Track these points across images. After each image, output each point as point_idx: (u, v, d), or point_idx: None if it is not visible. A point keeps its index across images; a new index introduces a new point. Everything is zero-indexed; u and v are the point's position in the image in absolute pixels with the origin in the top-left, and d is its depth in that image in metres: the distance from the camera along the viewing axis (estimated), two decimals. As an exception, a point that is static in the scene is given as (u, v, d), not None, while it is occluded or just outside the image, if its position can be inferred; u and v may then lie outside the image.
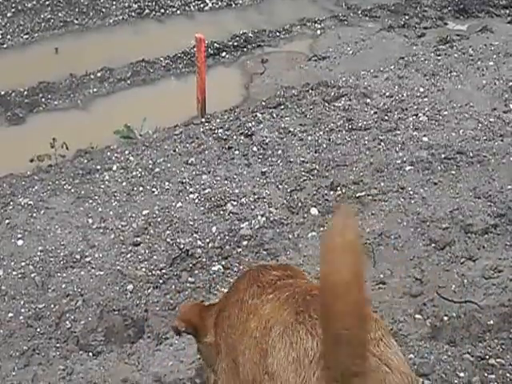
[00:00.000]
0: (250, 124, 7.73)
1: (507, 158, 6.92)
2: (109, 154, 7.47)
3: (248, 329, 3.22)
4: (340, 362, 2.55)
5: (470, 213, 6.14)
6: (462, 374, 4.61)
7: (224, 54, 10.15)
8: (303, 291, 3.13)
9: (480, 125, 7.52)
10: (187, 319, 3.95)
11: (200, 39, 7.88)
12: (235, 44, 10.40)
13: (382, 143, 7.30)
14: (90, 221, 6.39)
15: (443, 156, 7.00)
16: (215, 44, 10.23)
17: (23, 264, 5.93)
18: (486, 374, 4.54)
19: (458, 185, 6.55)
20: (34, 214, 6.50)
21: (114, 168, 7.16)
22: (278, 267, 3.69)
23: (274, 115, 7.91)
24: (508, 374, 4.24)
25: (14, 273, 5.85)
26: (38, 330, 5.32)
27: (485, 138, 7.29)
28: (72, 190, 6.82)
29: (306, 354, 2.73)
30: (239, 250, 5.93)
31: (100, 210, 6.54)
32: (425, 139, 7.32)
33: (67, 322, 5.37)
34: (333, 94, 8.29)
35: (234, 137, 7.53)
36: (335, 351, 2.54)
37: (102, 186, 6.88)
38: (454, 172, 6.76)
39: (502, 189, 6.42)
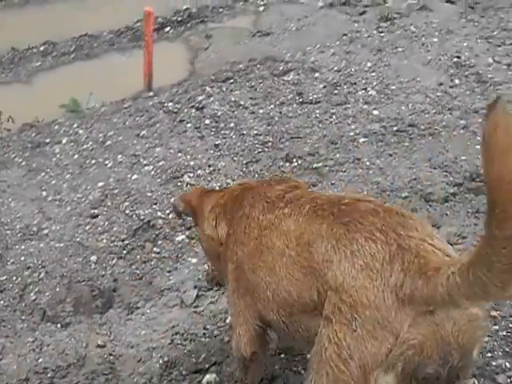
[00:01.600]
0: (200, 97, 7.69)
1: (458, 130, 7.01)
2: (56, 127, 7.34)
3: (268, 246, 3.26)
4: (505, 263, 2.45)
5: (428, 182, 6.20)
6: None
7: (168, 29, 10.07)
8: (331, 202, 3.14)
9: (428, 99, 7.61)
10: (188, 200, 4.08)
11: (148, 13, 7.79)
12: (179, 19, 10.33)
13: (334, 116, 7.33)
14: (44, 193, 6.28)
15: (395, 128, 7.05)
16: (159, 19, 10.10)
17: (-22, 237, 5.78)
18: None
19: (413, 156, 6.61)
20: (-15, 188, 6.34)
21: (64, 141, 7.04)
22: (279, 181, 3.74)
23: (224, 89, 7.88)
24: (511, 325, 4.30)
25: (-31, 246, 5.70)
26: (2, 302, 5.23)
27: (434, 111, 7.38)
28: (23, 163, 6.69)
29: (374, 259, 2.75)
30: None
31: (53, 182, 6.43)
32: (375, 112, 7.38)
33: (31, 294, 5.27)
34: (281, 68, 8.31)
35: (185, 110, 7.48)
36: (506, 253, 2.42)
37: (54, 159, 6.76)
38: (407, 144, 6.82)
39: (457, 159, 6.50)
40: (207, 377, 4.18)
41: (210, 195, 4.02)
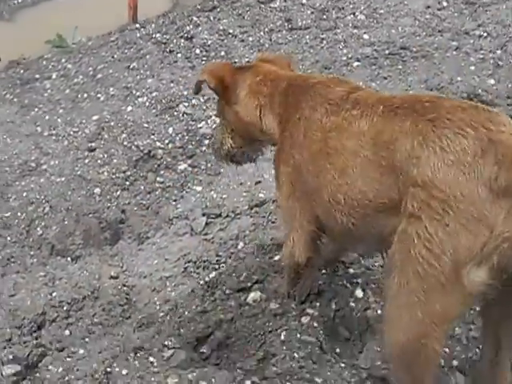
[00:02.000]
0: (187, 27, 7.61)
1: (450, 52, 7.00)
2: (44, 63, 7.24)
3: (337, 148, 3.21)
4: None
5: (425, 104, 6.21)
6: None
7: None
8: (411, 101, 3.08)
9: (417, 22, 7.56)
10: (220, 76, 3.85)
11: None
12: (159, -51, 10.09)
13: (324, 41, 7.28)
14: (39, 129, 6.20)
15: (387, 52, 7.02)
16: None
17: (-24, 175, 5.71)
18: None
19: (408, 78, 6.59)
20: (-22, 126, 6.25)
21: (54, 76, 6.95)
22: (338, 82, 3.58)
23: (211, 18, 7.80)
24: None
25: (-31, 185, 5.63)
26: (9, 238, 5.18)
27: (424, 33, 7.34)
28: (14, 100, 6.60)
29: (465, 153, 2.72)
30: (203, 148, 5.85)
31: (47, 117, 6.35)
32: (366, 37, 7.34)
33: (38, 229, 5.24)
34: (267, -5, 8.21)
35: (174, 40, 7.41)
36: None
37: (45, 95, 6.68)
38: (400, 66, 6.80)
39: (452, 80, 6.49)
40: (252, 295, 4.18)
41: (243, 75, 3.87)
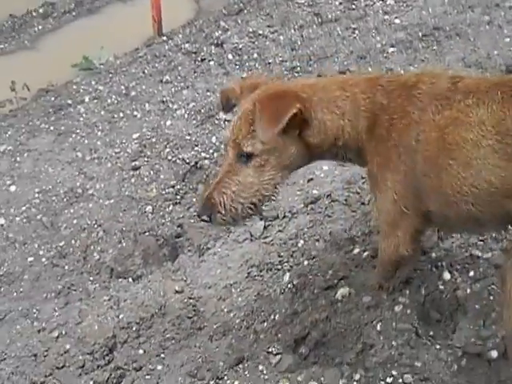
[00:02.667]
0: (216, 33, 7.53)
1: (483, 26, 6.88)
2: (75, 87, 7.18)
3: (457, 143, 3.14)
4: None
5: (468, 80, 6.09)
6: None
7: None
8: None
9: (446, 0, 7.44)
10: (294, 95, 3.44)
11: (151, -44, 7.56)
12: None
13: (356, 31, 7.18)
14: (80, 154, 6.13)
15: (421, 34, 6.91)
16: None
17: (24, 208, 5.70)
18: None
19: (446, 58, 6.49)
20: (18, 159, 6.23)
21: (87, 100, 6.89)
22: (433, 75, 3.43)
23: (239, 21, 7.71)
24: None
25: (17, 219, 5.62)
26: (66, 267, 5.15)
27: (455, 11, 7.22)
28: (50, 128, 6.54)
29: None
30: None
31: (86, 142, 6.28)
32: (397, 21, 7.22)
33: (95, 254, 5.20)
34: (293, -9, 8.10)
35: (204, 48, 7.34)
36: None
37: (81, 119, 6.61)
38: (436, 47, 6.70)
39: (489, 55, 6.40)
40: (341, 291, 4.14)
41: (308, 94, 3.47)
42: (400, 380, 3.50)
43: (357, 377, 3.52)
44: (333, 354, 3.86)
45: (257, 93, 3.53)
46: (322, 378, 3.53)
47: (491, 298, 3.83)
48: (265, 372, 3.64)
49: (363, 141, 3.51)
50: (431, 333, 3.80)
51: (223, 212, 3.46)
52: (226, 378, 3.67)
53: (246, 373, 3.62)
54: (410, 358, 3.60)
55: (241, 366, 3.71)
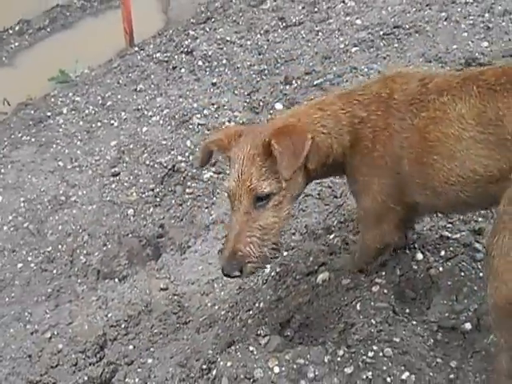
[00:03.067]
0: (186, 42, 7.78)
1: (441, 23, 7.14)
2: (53, 100, 7.37)
3: (439, 140, 3.29)
4: None
5: (428, 75, 6.35)
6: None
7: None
8: (505, 76, 3.22)
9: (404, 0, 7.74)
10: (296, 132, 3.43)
11: (119, -30, 7.80)
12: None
13: (320, 33, 7.44)
14: (61, 163, 6.34)
15: (382, 33, 7.16)
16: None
17: (10, 218, 5.90)
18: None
19: (406, 54, 6.73)
20: (2, 170, 6.45)
21: (65, 111, 7.09)
22: (402, 78, 3.54)
23: (207, 29, 7.96)
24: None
25: (5, 228, 5.83)
26: (55, 271, 5.34)
27: (414, 9, 7.50)
28: (32, 140, 6.74)
29: None
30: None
31: (67, 151, 6.49)
32: (358, 22, 7.49)
33: (81, 257, 5.39)
34: (256, -2, 8.39)
35: (175, 56, 7.57)
36: None
37: (60, 130, 6.82)
38: (397, 45, 6.94)
39: (448, 49, 6.64)
40: (321, 275, 4.25)
41: (295, 128, 3.47)
42: (381, 354, 3.62)
43: (340, 353, 3.65)
44: (316, 334, 3.99)
45: (257, 136, 3.48)
46: (309, 356, 3.57)
47: (462, 274, 3.96)
48: (255, 352, 3.67)
49: (348, 153, 3.60)
50: (407, 310, 3.93)
51: (254, 260, 3.43)
52: (218, 359, 3.80)
53: (238, 354, 3.67)
54: (388, 335, 3.71)
55: (232, 347, 3.75)
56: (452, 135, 3.24)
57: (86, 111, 6.99)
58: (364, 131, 3.52)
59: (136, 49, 8.00)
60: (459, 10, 7.31)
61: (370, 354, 3.67)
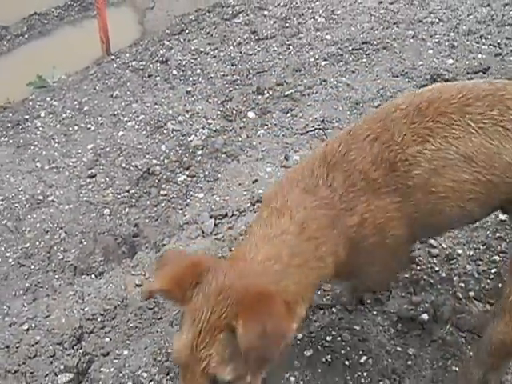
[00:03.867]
0: (161, 52, 7.99)
1: (408, 40, 7.52)
2: (31, 103, 7.51)
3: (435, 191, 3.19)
4: None
5: (394, 89, 6.67)
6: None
7: (113, -6, 10.16)
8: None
9: (373, 17, 8.07)
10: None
11: (97, -20, 7.99)
12: (121, -16, 10.45)
13: (291, 47, 7.73)
14: (39, 164, 6.48)
15: (350, 48, 7.50)
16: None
17: (-12, 215, 6.01)
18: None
19: (374, 69, 7.06)
20: (-21, 170, 6.55)
21: (42, 115, 7.23)
22: (359, 152, 3.26)
23: (182, 40, 8.18)
24: None
25: (-17, 225, 5.93)
26: (32, 267, 5.43)
27: (381, 27, 7.85)
28: (10, 141, 6.86)
29: None
30: (198, 158, 6.23)
31: (44, 153, 6.63)
32: (328, 37, 7.80)
33: (59, 254, 5.50)
34: (230, 12, 8.65)
35: (151, 65, 7.77)
36: None
37: (38, 132, 6.95)
38: (365, 60, 7.28)
39: (414, 65, 7.00)
40: None
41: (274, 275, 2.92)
42: (339, 338, 3.84)
43: (300, 337, 3.92)
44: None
45: (221, 293, 2.69)
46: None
47: (418, 268, 4.25)
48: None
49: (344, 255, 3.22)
50: (368, 301, 4.13)
51: None
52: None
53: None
54: (349, 323, 3.91)
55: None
56: (448, 176, 3.23)
57: (64, 115, 7.15)
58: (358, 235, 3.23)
59: (112, 57, 8.16)
60: (425, 28, 7.70)
61: (329, 337, 3.89)
